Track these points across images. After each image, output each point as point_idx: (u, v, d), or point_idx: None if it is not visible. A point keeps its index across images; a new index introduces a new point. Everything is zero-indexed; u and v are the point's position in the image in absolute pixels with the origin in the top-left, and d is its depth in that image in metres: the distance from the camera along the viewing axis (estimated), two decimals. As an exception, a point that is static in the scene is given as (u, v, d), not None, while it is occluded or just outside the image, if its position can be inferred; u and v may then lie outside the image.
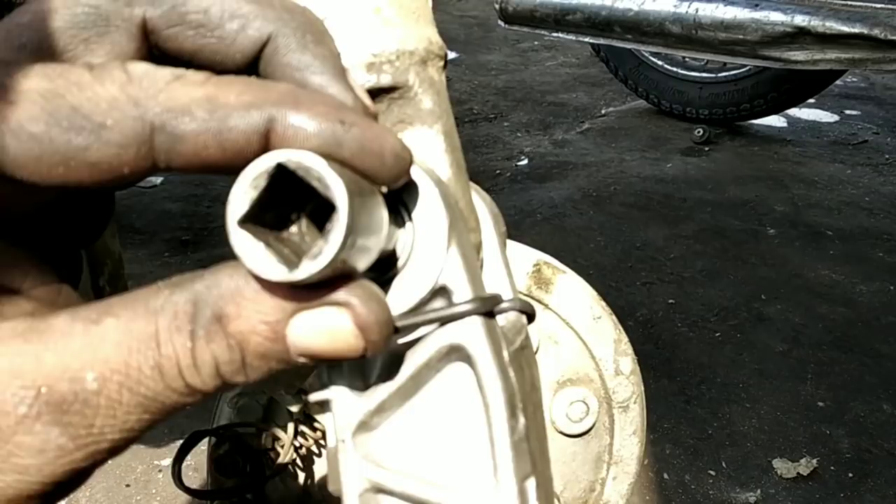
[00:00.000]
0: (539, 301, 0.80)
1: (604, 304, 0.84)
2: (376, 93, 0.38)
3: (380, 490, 0.39)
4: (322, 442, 0.77)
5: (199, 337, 0.26)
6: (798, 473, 1.36)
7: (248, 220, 0.27)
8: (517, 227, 2.25)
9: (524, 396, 0.40)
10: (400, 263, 0.38)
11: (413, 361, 0.38)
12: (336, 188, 0.26)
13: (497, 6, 2.05)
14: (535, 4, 1.97)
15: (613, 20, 1.81)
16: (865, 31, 1.39)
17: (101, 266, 0.56)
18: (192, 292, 0.27)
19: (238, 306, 0.26)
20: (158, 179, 2.70)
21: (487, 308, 0.38)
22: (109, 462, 1.43)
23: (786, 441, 1.45)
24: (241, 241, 0.26)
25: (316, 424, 0.77)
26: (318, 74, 0.29)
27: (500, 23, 2.09)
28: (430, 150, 0.40)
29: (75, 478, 0.26)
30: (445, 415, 0.39)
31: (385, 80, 0.37)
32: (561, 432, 0.81)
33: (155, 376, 0.26)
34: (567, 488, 0.85)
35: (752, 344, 1.75)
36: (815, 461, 1.37)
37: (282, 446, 0.75)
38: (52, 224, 0.32)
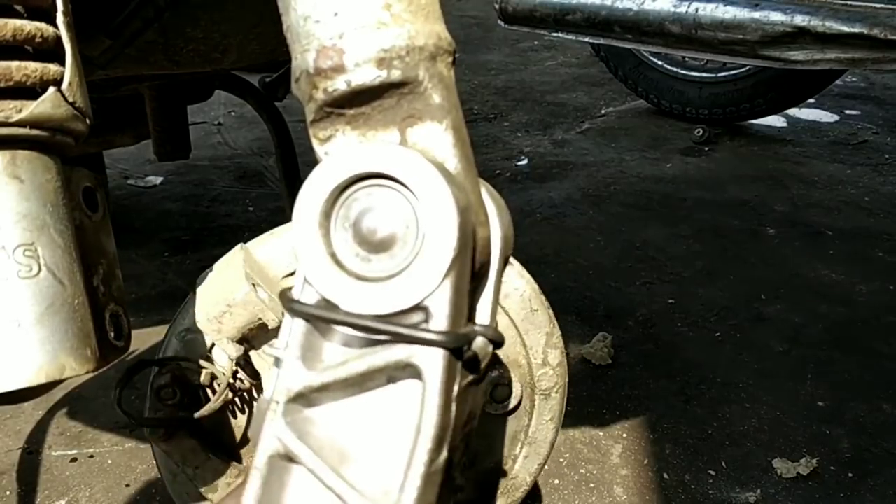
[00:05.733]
0: None
1: (543, 299, 0.89)
2: (386, 88, 0.38)
3: (291, 459, 0.40)
4: (257, 390, 0.81)
5: None
6: (798, 473, 1.36)
7: None
8: (517, 227, 2.25)
9: (458, 427, 0.41)
10: (397, 269, 0.38)
11: (368, 360, 0.39)
12: None
13: (497, 6, 2.05)
14: (535, 4, 1.97)
15: (613, 20, 1.81)
16: (865, 31, 1.39)
17: (96, 266, 0.56)
18: None
19: None
20: (158, 179, 2.70)
21: (456, 345, 0.38)
22: (109, 461, 1.42)
23: (786, 441, 1.45)
24: None
25: (252, 372, 0.81)
26: None
27: (500, 23, 2.09)
28: (440, 144, 0.40)
29: None
30: (380, 420, 0.40)
31: (395, 75, 0.38)
32: (482, 410, 0.87)
33: None
34: (480, 459, 0.88)
35: (752, 344, 1.75)
36: (815, 461, 1.37)
37: (219, 385, 0.79)
38: None
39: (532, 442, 0.89)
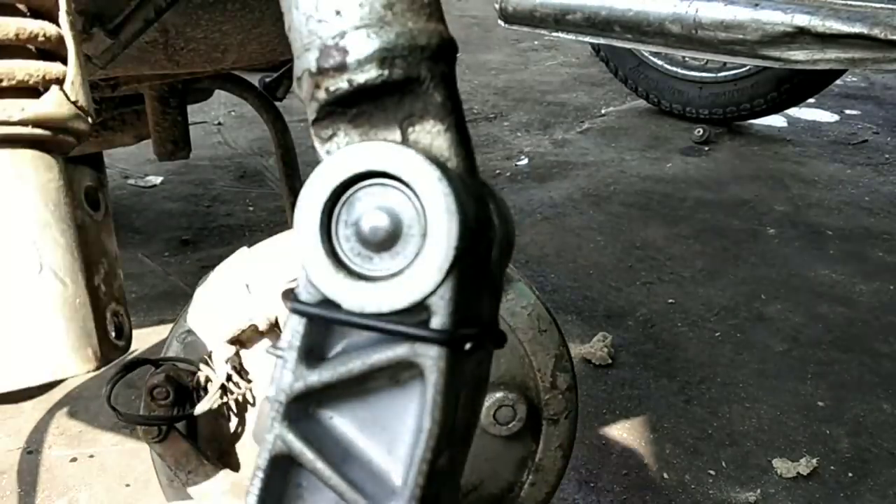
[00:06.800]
0: None
1: (553, 318, 0.86)
2: (388, 87, 0.38)
3: (293, 460, 0.40)
4: (253, 393, 0.81)
5: None
6: (798, 473, 1.36)
7: None
8: (517, 227, 2.25)
9: (461, 426, 0.41)
10: (399, 268, 0.38)
11: (370, 359, 0.39)
12: None
13: (497, 6, 2.05)
14: (535, 4, 1.97)
15: (613, 20, 1.81)
16: (865, 31, 1.39)
17: (97, 265, 0.56)
18: None
19: None
20: (158, 179, 2.70)
21: (458, 343, 0.38)
22: (109, 461, 1.42)
23: (786, 441, 1.45)
24: None
25: (249, 376, 0.81)
26: None
27: (500, 22, 2.09)
28: (441, 143, 0.40)
29: None
30: (382, 419, 0.40)
31: (397, 74, 0.38)
32: (485, 431, 0.84)
33: None
34: (485, 484, 0.87)
35: (752, 344, 1.75)
36: (815, 461, 1.38)
37: (212, 387, 0.80)
38: None
39: (540, 469, 0.87)
